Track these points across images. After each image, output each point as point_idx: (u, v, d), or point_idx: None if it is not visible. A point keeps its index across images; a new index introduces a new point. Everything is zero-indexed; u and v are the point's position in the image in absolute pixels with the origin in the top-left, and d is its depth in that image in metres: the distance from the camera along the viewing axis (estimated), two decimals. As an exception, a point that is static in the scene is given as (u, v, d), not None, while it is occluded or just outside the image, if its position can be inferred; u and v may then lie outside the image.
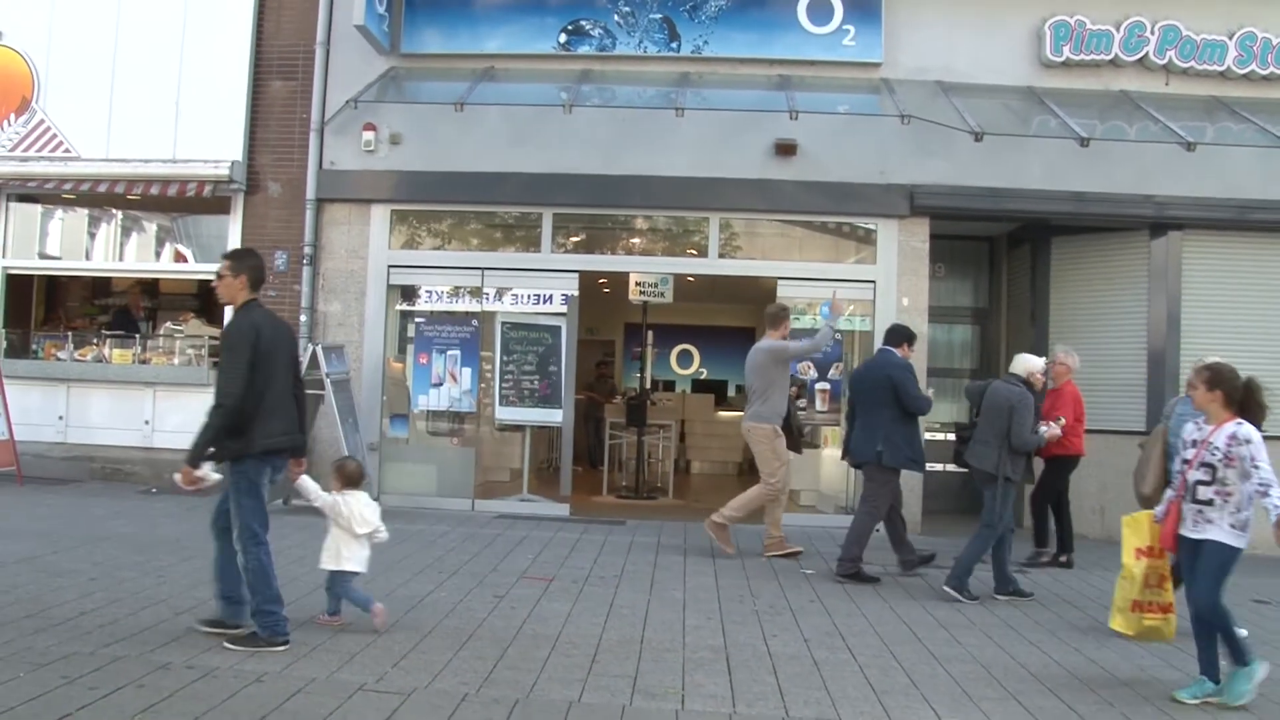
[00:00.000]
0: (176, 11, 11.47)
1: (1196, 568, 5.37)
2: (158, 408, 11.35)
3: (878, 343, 10.35)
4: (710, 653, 5.92)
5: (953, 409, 12.08)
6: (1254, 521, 5.36)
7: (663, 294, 12.75)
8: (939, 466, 11.28)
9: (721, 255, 11.20)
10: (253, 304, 5.72)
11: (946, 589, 7.64)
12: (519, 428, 11.66)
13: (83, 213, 12.38)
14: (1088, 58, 10.88)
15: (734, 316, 17.29)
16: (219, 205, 11.39)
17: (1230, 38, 10.85)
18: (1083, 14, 10.86)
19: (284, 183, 11.29)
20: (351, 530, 6.07)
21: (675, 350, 19.20)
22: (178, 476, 5.46)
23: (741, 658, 5.85)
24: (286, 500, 10.44)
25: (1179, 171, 10.38)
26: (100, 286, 13.44)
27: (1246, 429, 5.33)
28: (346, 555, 6.07)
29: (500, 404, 11.18)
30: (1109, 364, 10.76)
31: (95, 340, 12.07)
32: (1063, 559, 9.11)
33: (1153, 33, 10.83)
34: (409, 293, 11.54)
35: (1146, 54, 10.85)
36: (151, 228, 12.57)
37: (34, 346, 12.10)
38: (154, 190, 11.03)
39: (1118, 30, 10.82)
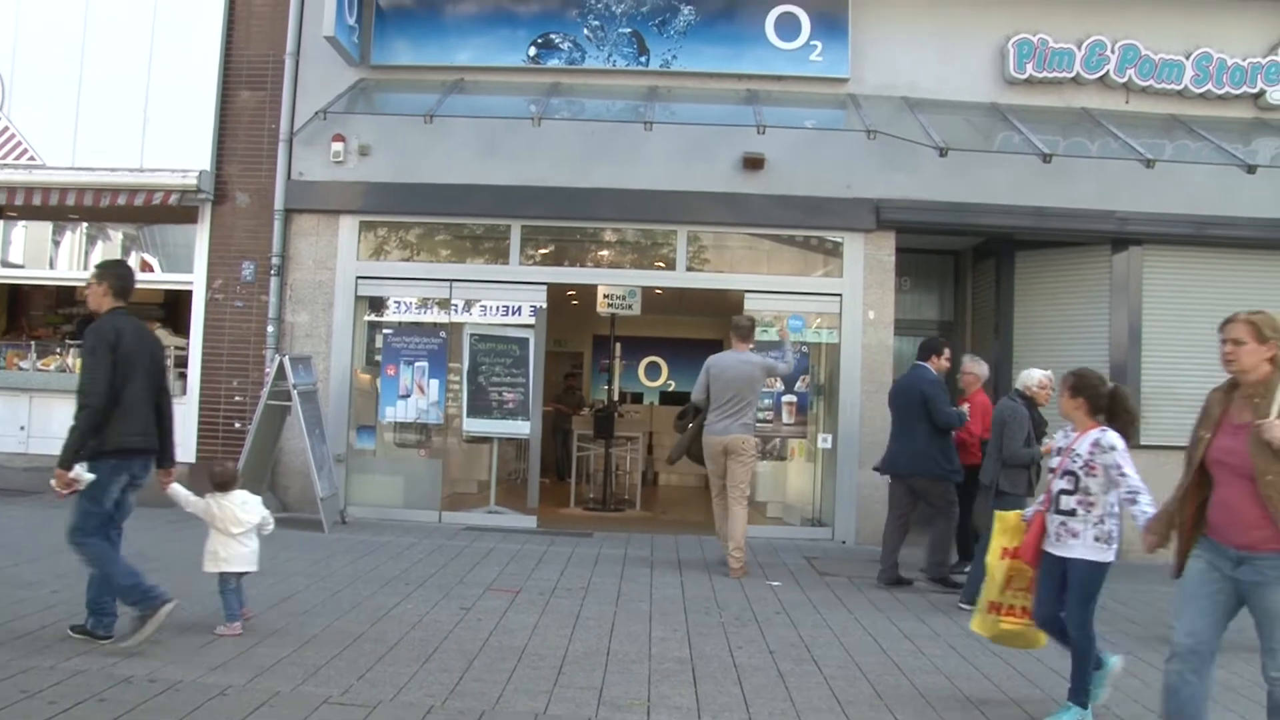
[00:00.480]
0: (145, 20, 11.36)
1: (1070, 587, 5.14)
2: (122, 418, 11.20)
3: (845, 356, 10.75)
4: (676, 664, 5.92)
5: None
6: (1122, 533, 5.23)
7: (631, 306, 12.76)
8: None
9: (690, 268, 11.19)
10: (117, 311, 5.80)
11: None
12: (487, 439, 11.62)
13: (46, 221, 12.21)
14: (1050, 75, 10.99)
15: (702, 329, 17.13)
16: (186, 215, 11.29)
17: (1187, 58, 11.01)
18: (1045, 32, 10.98)
19: (252, 193, 11.21)
20: (227, 531, 6.10)
21: (643, 362, 19.13)
22: (52, 481, 5.53)
23: (708, 669, 5.85)
24: None
25: (1139, 187, 10.51)
26: (64, 296, 13.25)
27: (1110, 436, 5.14)
28: (225, 556, 6.10)
29: (468, 415, 11.15)
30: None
31: (59, 350, 11.92)
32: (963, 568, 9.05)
33: (1113, 52, 10.96)
34: (377, 304, 11.46)
35: (1107, 72, 10.98)
36: (117, 237, 12.41)
37: (-4, 356, 11.91)
38: (121, 200, 10.90)
39: (1079, 49, 10.95)
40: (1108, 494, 5.10)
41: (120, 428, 5.60)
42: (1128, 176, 10.40)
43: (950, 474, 8.48)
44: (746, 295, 11.09)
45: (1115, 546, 5.13)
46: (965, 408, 8.87)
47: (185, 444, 10.97)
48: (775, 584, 8.42)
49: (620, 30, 11.13)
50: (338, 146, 11.01)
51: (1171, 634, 4.28)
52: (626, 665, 5.84)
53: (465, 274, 11.32)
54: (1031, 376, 8.13)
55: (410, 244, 11.59)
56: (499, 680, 5.42)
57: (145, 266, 12.08)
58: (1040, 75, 10.99)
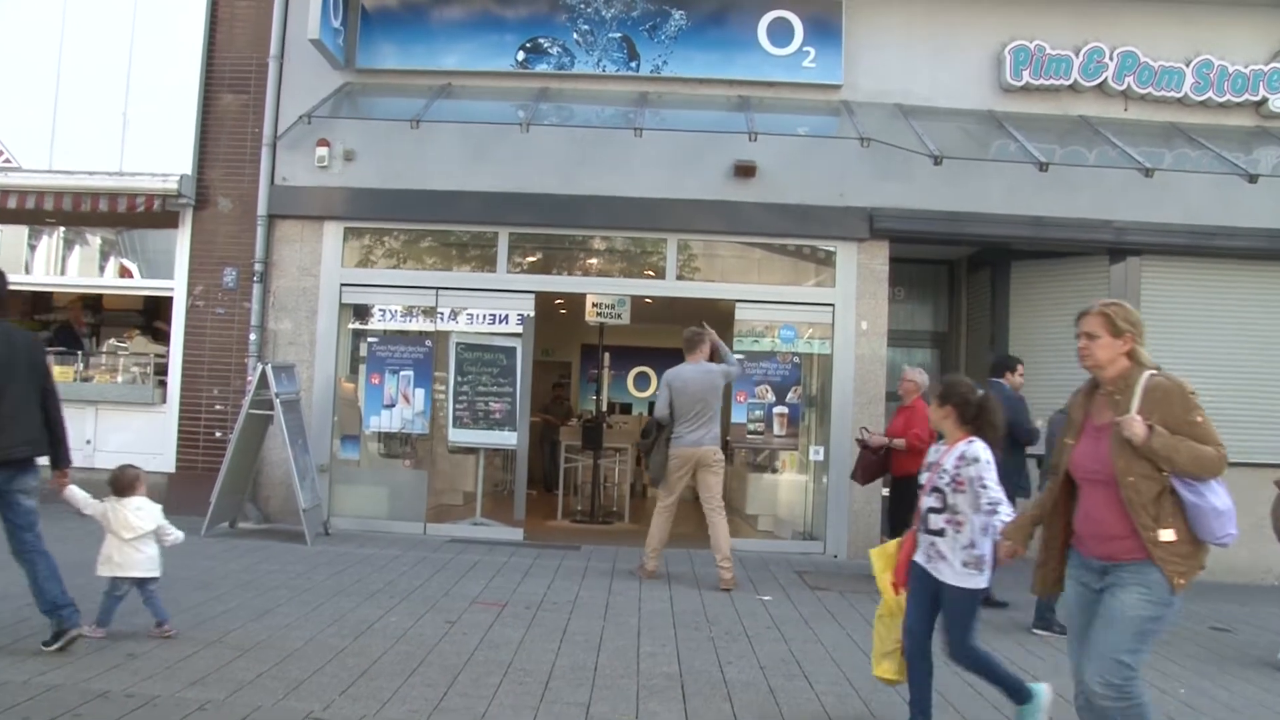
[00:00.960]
0: (124, 20, 11.32)
1: (945, 615, 4.93)
2: (100, 427, 11.16)
3: (838, 366, 10.73)
4: (665, 680, 5.90)
5: None
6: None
7: (620, 315, 12.46)
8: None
9: (680, 277, 11.16)
10: None
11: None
12: (473, 450, 11.59)
13: (22, 225, 12.14)
14: (1047, 82, 11.02)
15: None
16: (167, 220, 11.24)
17: (1187, 65, 11.05)
18: (1042, 39, 11.01)
19: (235, 198, 11.17)
20: (120, 536, 6.12)
21: (632, 372, 19.08)
22: None
23: (696, 685, 5.83)
24: (233, 523, 10.40)
25: (1138, 197, 10.56)
26: (41, 301, 13.19)
27: (975, 447, 4.89)
28: (119, 561, 6.11)
29: (454, 426, 11.11)
30: (1068, 389, 10.51)
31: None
32: None
33: (1111, 58, 11.00)
34: (362, 312, 11.42)
35: (1105, 79, 11.01)
36: (95, 241, 12.35)
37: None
38: (101, 204, 10.84)
39: (1077, 55, 10.99)
40: (976, 515, 4.84)
41: (2, 439, 5.59)
42: (1126, 186, 10.46)
43: (1019, 489, 8.45)
44: (738, 305, 11.10)
45: (988, 572, 4.85)
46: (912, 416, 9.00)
47: (165, 454, 11.01)
48: (766, 598, 8.41)
49: (610, 35, 11.13)
50: (322, 151, 10.99)
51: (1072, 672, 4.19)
52: (614, 681, 5.82)
53: (451, 282, 11.25)
54: None
55: (396, 251, 11.55)
56: (484, 696, 5.40)
57: (124, 272, 12.03)
58: (1037, 82, 11.02)
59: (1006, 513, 4.70)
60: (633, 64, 11.14)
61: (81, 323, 12.79)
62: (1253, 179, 9.93)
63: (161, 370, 11.27)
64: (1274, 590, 10.45)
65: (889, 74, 11.08)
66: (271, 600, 7.31)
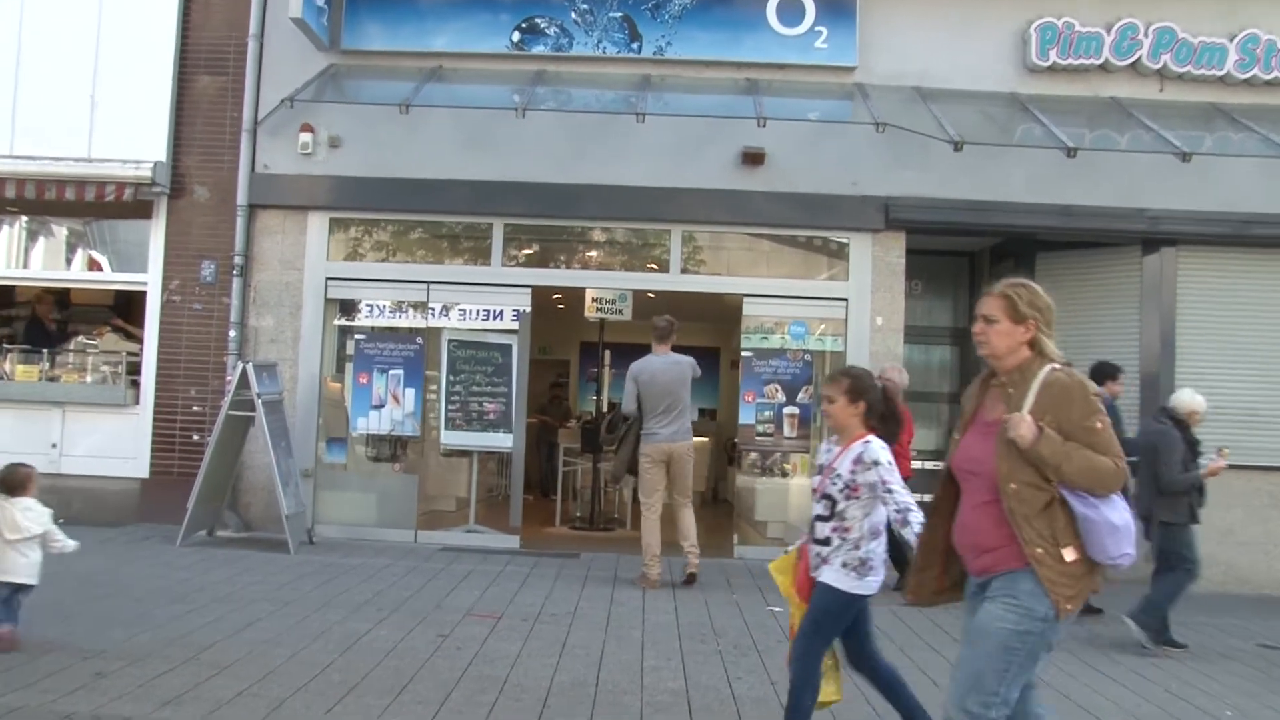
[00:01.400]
0: (91, -6, 11.23)
1: (854, 623, 4.80)
2: (67, 430, 11.08)
3: (851, 362, 10.39)
4: (670, 696, 5.87)
5: (930, 436, 12.07)
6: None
7: (621, 311, 12.74)
8: (914, 497, 11.03)
9: (684, 270, 11.18)
10: None
11: (1149, 646, 7.59)
12: (466, 453, 11.63)
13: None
14: (1076, 62, 10.93)
15: (698, 335, 16.95)
16: (140, 209, 11.16)
17: (1231, 40, 10.92)
18: (1071, 16, 10.93)
19: (212, 186, 11.14)
20: (3, 537, 6.09)
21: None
22: None
23: (704, 701, 5.80)
24: (211, 531, 10.40)
25: (1173, 183, 10.46)
26: (3, 296, 13.02)
27: (873, 449, 4.68)
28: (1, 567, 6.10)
29: (446, 427, 11.14)
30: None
31: (-5, 354, 11.79)
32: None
33: (1146, 35, 10.90)
34: (348, 307, 11.42)
35: (1140, 58, 10.91)
36: (62, 232, 12.19)
37: (-75, 360, 11.73)
38: (68, 193, 10.77)
39: (1109, 33, 10.90)
40: (866, 519, 4.66)
41: None
42: (1161, 171, 10.36)
43: None
44: (745, 299, 11.12)
45: (872, 579, 4.68)
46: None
47: (139, 458, 10.98)
48: (777, 609, 8.32)
49: (610, 15, 11.11)
50: (306, 137, 10.95)
51: None
52: (617, 697, 5.79)
53: (443, 275, 11.28)
54: (1184, 399, 8.01)
55: (384, 243, 11.57)
56: (479, 714, 5.37)
57: (94, 265, 11.94)
58: (1065, 62, 10.92)
59: (918, 521, 4.42)
60: (634, 45, 11.12)
61: (50, 319, 12.60)
62: (1302, 162, 9.77)
63: (134, 369, 11.21)
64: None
65: (906, 55, 11.04)
66: (252, 613, 7.28)
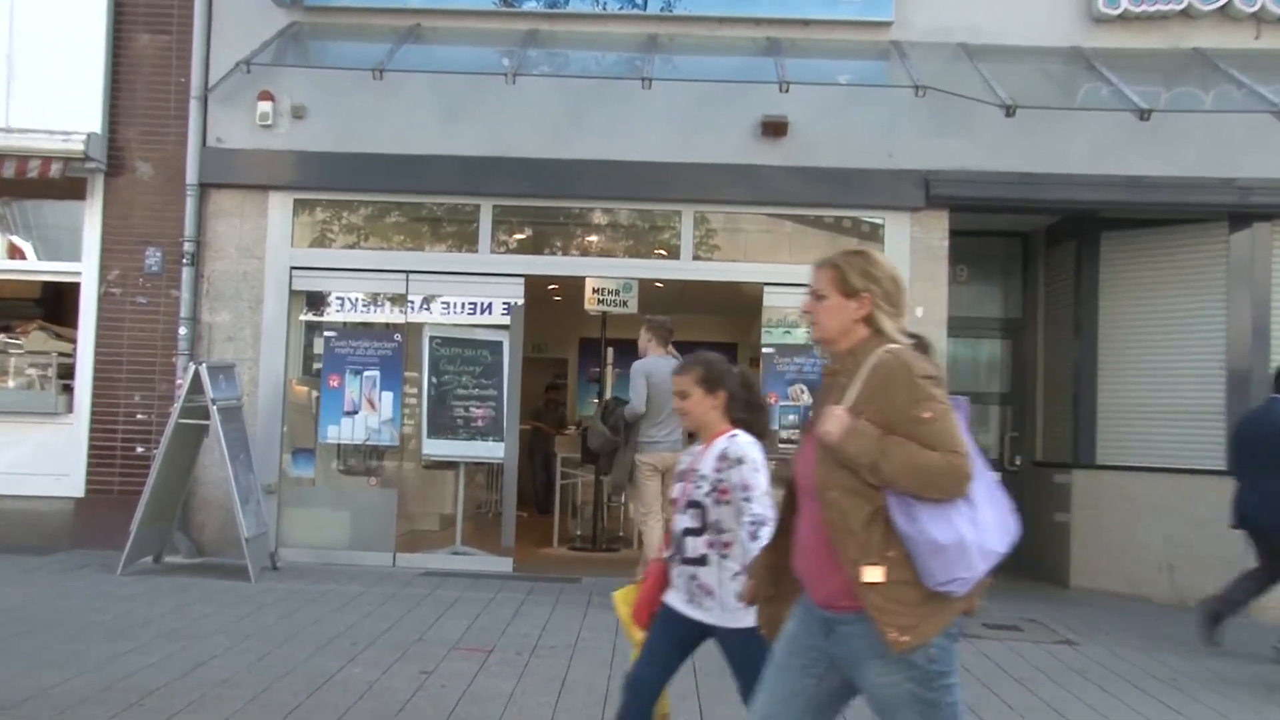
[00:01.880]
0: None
1: (733, 665, 4.53)
2: (-13, 441, 11.05)
3: None
4: (689, 742, 5.77)
5: (977, 441, 11.72)
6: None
7: (625, 303, 12.71)
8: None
9: (697, 256, 11.18)
10: None
11: None
12: (451, 465, 11.60)
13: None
14: (1152, 9, 10.78)
15: (712, 329, 17.31)
16: (71, 189, 11.08)
17: (1346, -27, 10.75)
18: (1147, -47, 10.87)
19: (156, 162, 11.05)
20: None
21: None
22: None
23: (728, 748, 5.69)
24: (157, 558, 10.35)
25: (1269, 147, 10.31)
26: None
27: (739, 443, 4.44)
28: None
29: (428, 436, 11.10)
30: (1175, 387, 10.76)
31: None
32: None
33: (1243, -29, 10.78)
34: (316, 300, 11.39)
35: (1230, 0, 10.73)
36: (-25, 215, 12.06)
37: None
38: (-18, 169, 10.69)
39: (1194, -29, 10.81)
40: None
41: None
42: (1253, 134, 10.20)
43: None
44: (766, 289, 11.15)
45: None
46: None
47: (72, 474, 10.89)
48: None
49: (612, -35, 11.13)
50: (265, 106, 10.86)
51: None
52: (626, 744, 5.67)
53: (424, 264, 11.28)
54: None
55: (357, 227, 11.54)
56: (467, 765, 5.28)
57: (15, 252, 11.73)
58: (1138, 9, 10.78)
59: (769, 536, 4.06)
60: (639, 0, 11.07)
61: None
62: None
63: (67, 373, 11.13)
64: None
65: (950, 6, 10.94)
66: (206, 650, 7.19)
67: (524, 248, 11.52)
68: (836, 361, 3.57)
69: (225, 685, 6.42)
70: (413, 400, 11.31)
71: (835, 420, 3.35)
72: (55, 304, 12.26)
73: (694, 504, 4.44)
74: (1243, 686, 7.39)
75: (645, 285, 12.57)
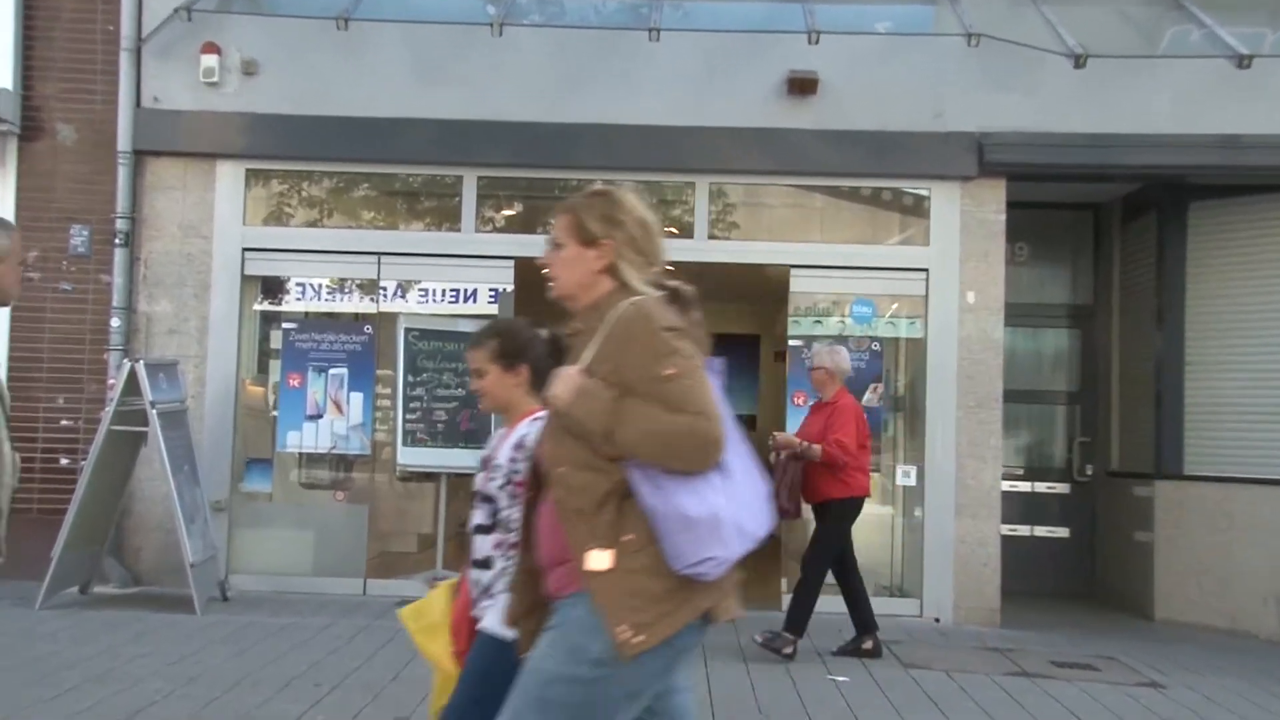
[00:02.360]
0: None
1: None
2: (-125, 457, 10.83)
3: (934, 356, 10.75)
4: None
5: (1042, 451, 12.00)
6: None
7: None
8: (1022, 530, 11.38)
9: (712, 235, 11.13)
10: None
11: None
12: (431, 477, 11.51)
13: None
14: (1254, -68, 10.80)
15: (731, 320, 17.32)
16: (-22, 156, 11.05)
17: None
18: None
19: (81, 125, 10.93)
20: None
21: None
22: None
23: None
24: (84, 589, 10.24)
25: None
26: None
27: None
28: None
29: (404, 443, 10.90)
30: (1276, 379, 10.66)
31: None
32: (866, 644, 8.96)
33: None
34: (273, 287, 11.30)
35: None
36: None
37: None
38: None
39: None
40: None
41: None
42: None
43: None
44: (793, 272, 11.05)
45: None
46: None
47: (-14, 486, 10.66)
48: (841, 679, 8.31)
49: (614, -104, 11.08)
50: (210, 61, 10.70)
51: None
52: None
53: (398, 244, 11.22)
54: None
55: (320, 202, 11.50)
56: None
57: (-95, 231, 11.61)
58: (1238, -66, 10.78)
59: None
60: (645, -63, 11.03)
61: None
62: None
63: (-26, 380, 10.97)
64: None
65: (1006, -60, 10.91)
66: (142, 696, 7.05)
67: (514, 225, 11.51)
68: (580, 320, 3.50)
69: (163, 738, 6.34)
70: (386, 402, 11.29)
71: (563, 382, 3.29)
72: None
73: (485, 498, 4.22)
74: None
75: None
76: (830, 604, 9.74)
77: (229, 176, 10.89)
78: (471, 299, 11.28)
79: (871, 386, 10.90)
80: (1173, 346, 11.16)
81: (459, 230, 11.06)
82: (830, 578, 8.95)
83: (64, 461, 10.66)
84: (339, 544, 11.04)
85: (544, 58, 10.73)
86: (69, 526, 9.55)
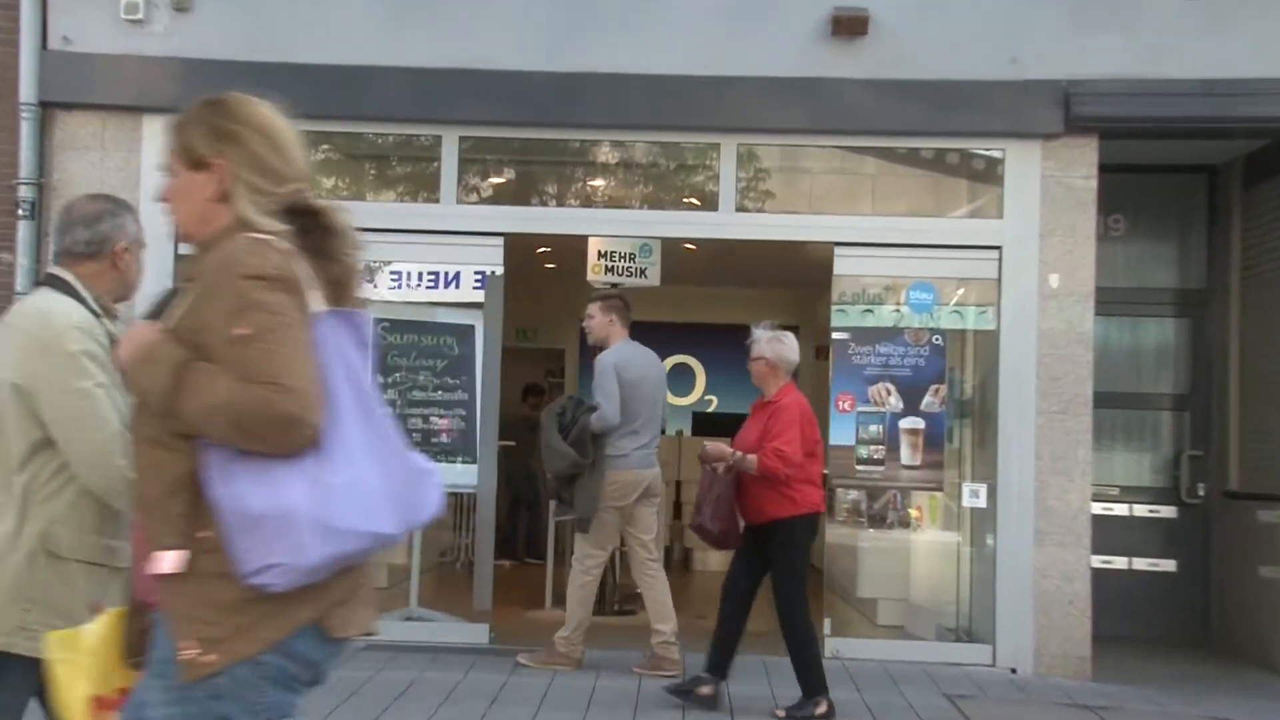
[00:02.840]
0: None
1: None
2: None
3: (1008, 351, 10.63)
4: None
5: (1143, 463, 11.86)
6: None
7: (644, 273, 12.49)
8: (1118, 562, 11.28)
9: (741, 207, 10.90)
10: None
11: None
12: None
13: None
14: None
15: (763, 307, 16.75)
16: None
17: None
18: None
19: (-31, 72, 10.81)
20: None
21: (666, 365, 18.76)
22: None
23: None
24: None
25: None
26: None
27: None
28: None
29: None
30: None
31: None
32: (704, 689, 8.55)
33: None
34: None
35: None
36: None
37: None
38: None
39: None
40: None
41: None
42: None
43: None
44: (837, 250, 10.78)
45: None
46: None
47: None
48: None
49: None
50: None
51: None
52: None
53: (364, 218, 10.00)
54: None
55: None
56: None
57: None
58: None
59: None
60: None
61: None
62: None
63: None
64: None
65: None
66: None
67: (503, 196, 11.48)
68: (193, 264, 3.36)
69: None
70: (349, 407, 10.91)
71: (130, 341, 3.22)
72: None
73: None
74: None
75: (670, 248, 12.37)
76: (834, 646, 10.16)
77: (159, 135, 9.95)
78: (454, 284, 11.12)
79: (932, 389, 10.72)
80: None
81: (438, 201, 10.81)
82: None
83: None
84: (292, 577, 10.81)
85: (539, -4, 10.73)
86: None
